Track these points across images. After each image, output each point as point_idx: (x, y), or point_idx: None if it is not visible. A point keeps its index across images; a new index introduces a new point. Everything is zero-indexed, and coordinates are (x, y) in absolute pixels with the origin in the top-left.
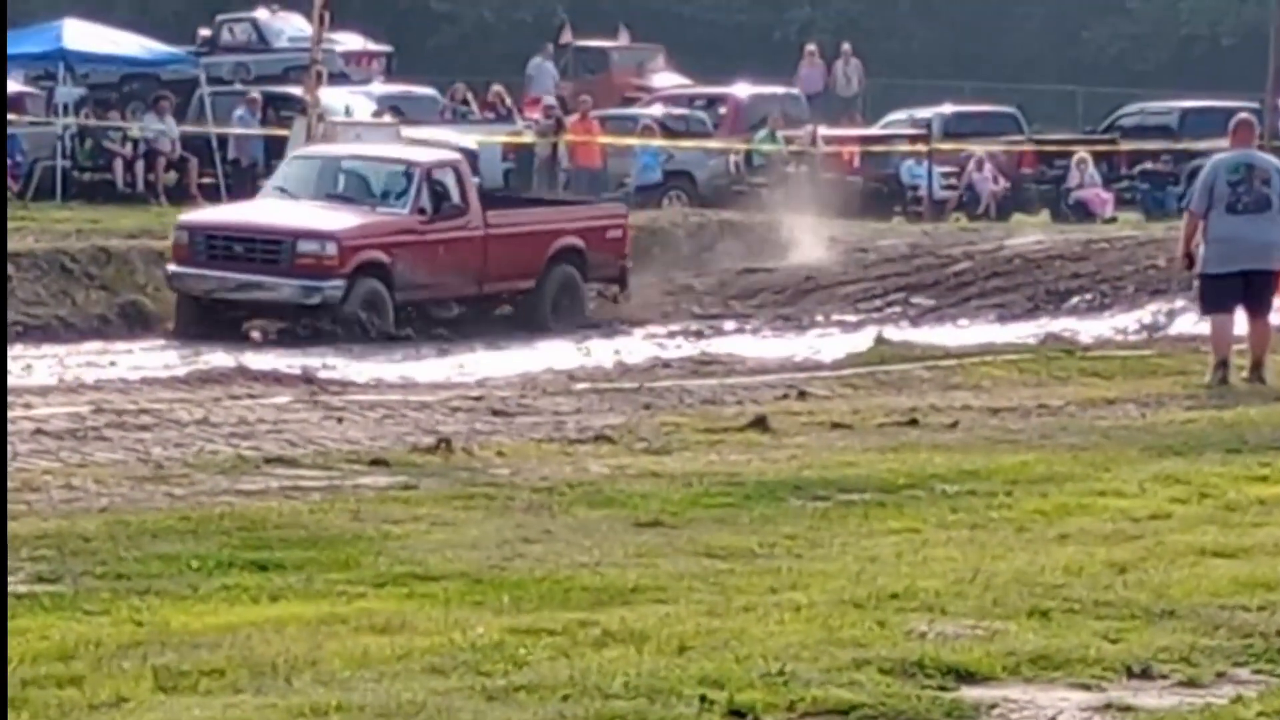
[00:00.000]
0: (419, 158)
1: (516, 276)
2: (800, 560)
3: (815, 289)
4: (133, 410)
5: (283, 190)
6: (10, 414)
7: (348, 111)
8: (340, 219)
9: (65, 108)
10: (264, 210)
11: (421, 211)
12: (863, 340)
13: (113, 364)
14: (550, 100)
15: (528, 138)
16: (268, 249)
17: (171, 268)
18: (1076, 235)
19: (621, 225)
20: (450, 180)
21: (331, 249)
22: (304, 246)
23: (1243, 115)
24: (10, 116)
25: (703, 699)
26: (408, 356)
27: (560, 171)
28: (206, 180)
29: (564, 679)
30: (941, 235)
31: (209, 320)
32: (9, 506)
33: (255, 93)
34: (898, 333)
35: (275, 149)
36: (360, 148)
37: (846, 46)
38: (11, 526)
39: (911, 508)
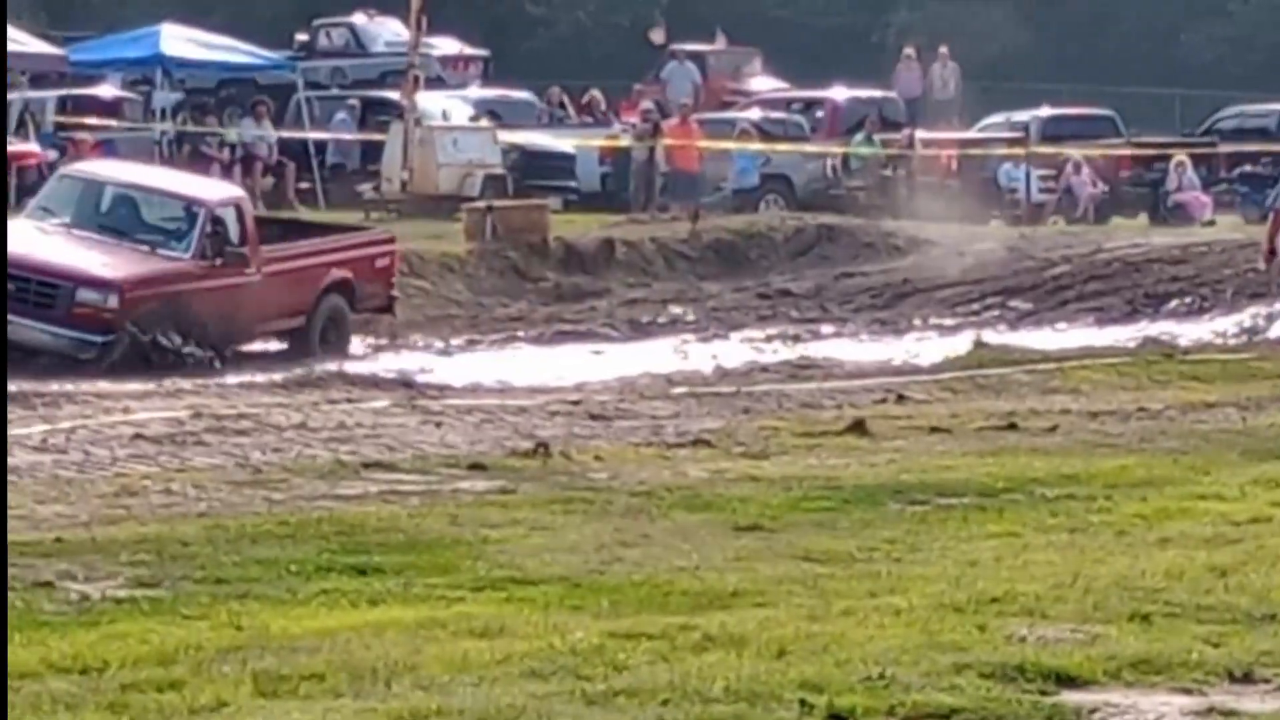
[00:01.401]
0: (205, 195)
1: (289, 315)
2: (899, 564)
3: (912, 293)
4: (231, 415)
5: (47, 212)
6: (109, 418)
7: (445, 116)
8: (122, 264)
9: (163, 113)
10: (37, 243)
11: (204, 256)
12: (961, 344)
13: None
14: (648, 104)
15: (624, 141)
16: (42, 292)
17: None
18: (1175, 239)
19: (390, 253)
20: (232, 219)
21: (113, 301)
22: (84, 295)
23: None
24: (108, 122)
25: (802, 703)
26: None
27: (658, 175)
28: (303, 185)
29: (664, 683)
30: (1039, 239)
31: None
32: (109, 511)
33: (353, 97)
34: (996, 336)
35: (373, 154)
36: (138, 175)
37: (944, 50)
38: (110, 531)
39: (1011, 512)
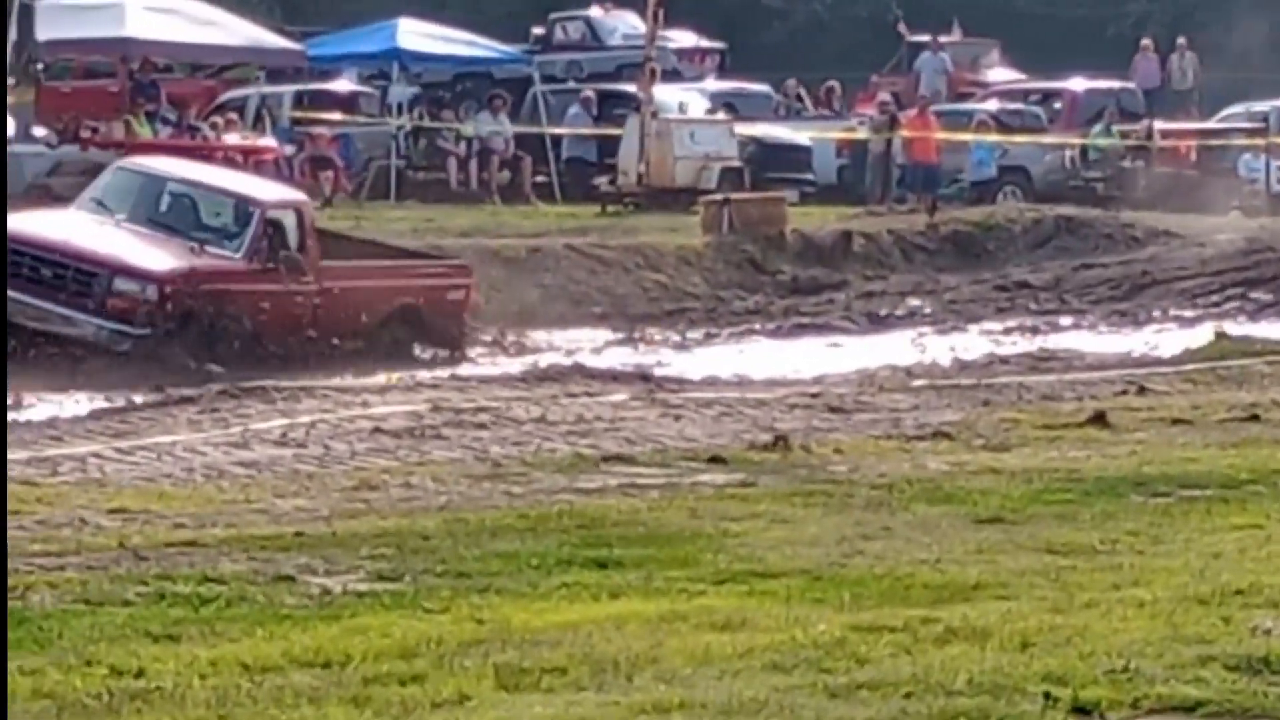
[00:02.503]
0: (262, 196)
1: (348, 337)
2: (1142, 556)
3: (1152, 284)
4: (470, 408)
5: (100, 204)
6: (348, 412)
7: (681, 108)
8: (165, 258)
9: (399, 107)
10: (80, 230)
11: (256, 258)
12: (1201, 335)
13: (453, 361)
14: (885, 96)
15: (861, 134)
16: (79, 278)
17: None
18: None
19: (465, 285)
20: (291, 224)
21: (152, 293)
22: (121, 285)
23: None
24: (344, 116)
25: (1046, 696)
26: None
27: (895, 167)
28: (540, 179)
29: (906, 676)
30: None
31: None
32: (349, 505)
33: (589, 91)
34: (1236, 328)
35: (609, 147)
36: (194, 171)
37: (1182, 40)
38: (350, 525)
39: (1254, 503)
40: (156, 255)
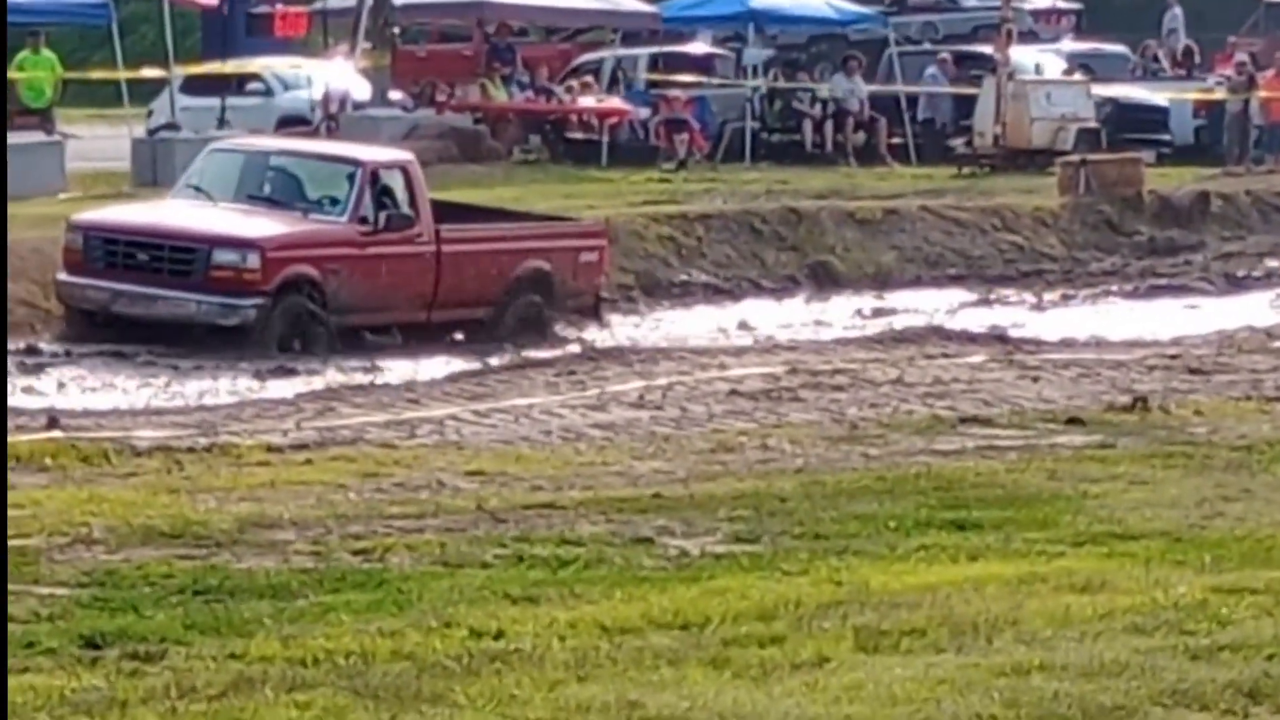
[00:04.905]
0: (362, 156)
1: (472, 304)
2: None
3: None
4: (827, 370)
5: (198, 189)
6: (705, 375)
7: (1038, 69)
8: (265, 225)
9: (754, 69)
10: (174, 212)
11: (363, 220)
12: None
13: (810, 324)
14: (1242, 56)
15: (1219, 94)
16: (177, 258)
17: (61, 275)
18: None
19: (599, 248)
20: (398, 184)
21: (254, 260)
22: (221, 257)
23: None
24: (699, 79)
25: None
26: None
27: (1253, 128)
28: (895, 141)
29: (1268, 638)
30: None
31: (106, 337)
32: (705, 468)
33: (945, 52)
34: None
35: (965, 108)
36: (290, 143)
37: None
38: (708, 487)
39: None
40: (256, 224)
